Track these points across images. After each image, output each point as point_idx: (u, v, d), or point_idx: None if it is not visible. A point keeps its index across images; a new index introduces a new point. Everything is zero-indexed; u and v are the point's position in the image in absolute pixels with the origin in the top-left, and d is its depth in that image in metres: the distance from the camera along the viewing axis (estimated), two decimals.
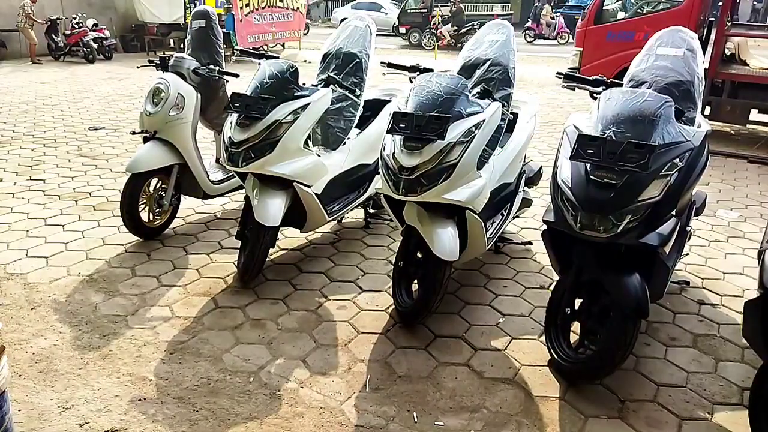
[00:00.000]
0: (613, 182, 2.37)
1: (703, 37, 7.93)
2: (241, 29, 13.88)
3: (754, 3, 25.92)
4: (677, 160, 2.40)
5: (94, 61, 13.85)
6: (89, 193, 4.98)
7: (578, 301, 2.70)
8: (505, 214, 3.63)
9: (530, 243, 4.12)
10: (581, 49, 8.06)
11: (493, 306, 3.33)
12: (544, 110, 8.77)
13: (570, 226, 2.47)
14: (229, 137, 3.25)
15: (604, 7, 8.05)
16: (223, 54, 4.27)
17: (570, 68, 8.05)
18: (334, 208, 3.79)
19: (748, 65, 7.90)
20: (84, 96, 9.59)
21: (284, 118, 3.24)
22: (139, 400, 2.51)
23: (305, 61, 13.97)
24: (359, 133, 4.08)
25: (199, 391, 2.55)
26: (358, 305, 3.30)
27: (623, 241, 2.40)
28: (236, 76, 3.99)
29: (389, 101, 4.22)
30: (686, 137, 2.47)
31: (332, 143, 3.93)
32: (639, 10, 8.11)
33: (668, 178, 2.37)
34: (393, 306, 3.21)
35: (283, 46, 17.04)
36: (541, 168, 4.17)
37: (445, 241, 2.88)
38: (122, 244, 3.95)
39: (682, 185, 2.44)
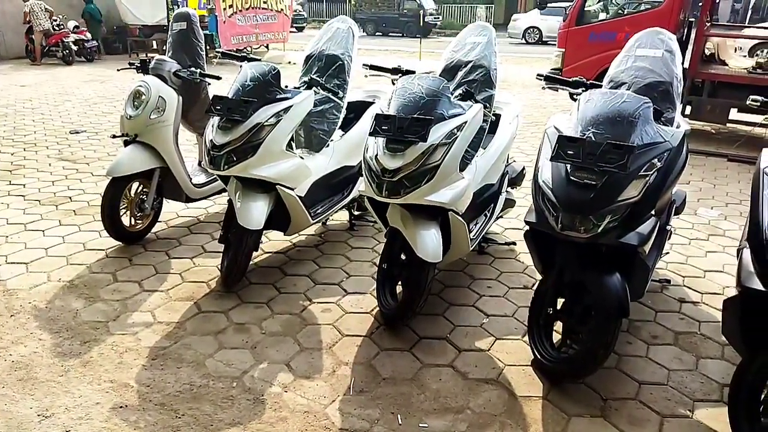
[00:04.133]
0: (593, 183, 2.39)
1: (684, 37, 8.04)
2: (225, 31, 13.81)
3: (734, 3, 26.32)
4: (656, 160, 2.42)
5: (72, 63, 13.67)
6: (70, 198, 4.92)
7: (560, 301, 2.73)
8: (488, 215, 3.65)
9: (514, 243, 4.14)
10: (563, 49, 8.13)
11: (477, 307, 3.34)
12: (527, 111, 8.83)
13: (551, 226, 2.49)
14: (211, 140, 3.23)
15: (585, 8, 8.12)
16: (204, 56, 4.24)
17: (552, 69, 8.12)
18: (318, 211, 3.78)
19: (727, 65, 8.02)
20: (65, 99, 9.47)
21: (266, 120, 3.22)
22: (121, 407, 2.48)
23: (290, 62, 13.92)
24: (343, 135, 4.08)
25: (182, 397, 2.53)
26: (343, 308, 3.30)
27: (603, 241, 2.42)
28: (218, 78, 3.97)
29: (373, 103, 4.22)
30: (664, 137, 2.49)
31: (316, 145, 3.92)
32: (620, 11, 8.19)
33: (647, 178, 2.39)
34: (377, 308, 3.21)
35: (267, 47, 16.97)
36: (524, 169, 4.20)
37: (428, 242, 2.89)
38: (103, 249, 3.91)
39: (660, 185, 2.46)
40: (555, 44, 8.76)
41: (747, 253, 2.23)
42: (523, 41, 22.33)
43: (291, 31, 17.80)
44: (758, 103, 2.44)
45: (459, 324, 3.16)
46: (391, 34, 25.65)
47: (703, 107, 7.40)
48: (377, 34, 25.74)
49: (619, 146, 2.34)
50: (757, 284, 2.11)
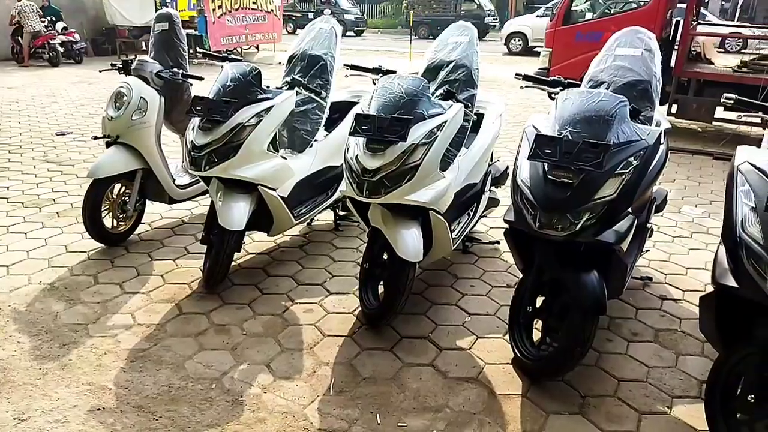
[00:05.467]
0: (570, 181, 2.39)
1: (670, 36, 8.09)
2: (215, 31, 13.76)
3: (722, 3, 26.47)
4: (632, 158, 2.43)
5: (58, 64, 13.57)
6: (54, 200, 4.89)
7: (540, 299, 2.73)
8: (471, 214, 3.65)
9: (498, 242, 4.15)
10: (550, 49, 8.16)
11: (459, 306, 3.35)
12: (515, 110, 8.86)
13: (529, 225, 2.49)
14: (192, 141, 3.22)
15: (572, 8, 8.15)
16: (187, 57, 4.23)
17: (540, 68, 8.16)
18: (302, 211, 3.77)
19: (713, 64, 8.07)
20: (52, 101, 9.41)
21: (247, 121, 3.21)
22: (98, 409, 2.46)
23: (279, 63, 13.89)
24: (327, 135, 4.08)
25: (160, 399, 2.52)
26: (325, 308, 3.29)
27: (581, 239, 2.43)
28: (200, 78, 3.95)
29: (357, 103, 4.21)
30: (641, 136, 2.51)
31: (299, 146, 3.92)
32: (606, 11, 8.23)
33: (623, 177, 2.40)
34: (360, 308, 3.21)
35: (257, 48, 16.93)
36: (507, 168, 4.20)
37: (409, 242, 2.89)
38: (85, 251, 3.89)
39: (637, 183, 2.48)
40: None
41: (722, 251, 2.25)
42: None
43: (349, 35, 17.01)
44: (732, 101, 2.46)
45: (441, 323, 3.16)
46: None
47: (689, 106, 7.45)
48: (430, 37, 22.33)
49: (595, 145, 2.34)
50: (731, 281, 2.12)
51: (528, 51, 17.90)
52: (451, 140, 3.04)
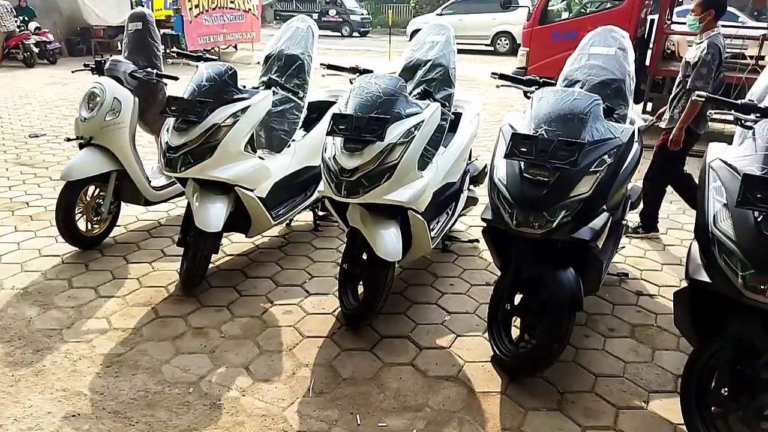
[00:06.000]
0: (546, 179, 2.41)
1: (645, 35, 8.19)
2: (191, 31, 13.62)
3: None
4: (606, 156, 2.46)
5: (33, 65, 13.31)
6: (27, 203, 4.79)
7: (519, 297, 2.75)
8: (450, 213, 3.66)
9: (477, 241, 4.17)
10: (528, 49, 8.21)
11: (439, 304, 3.35)
12: (494, 109, 8.91)
13: (507, 223, 2.51)
14: (166, 142, 3.18)
15: (548, 8, 8.22)
16: (161, 56, 4.17)
17: (518, 68, 8.21)
18: (280, 212, 3.75)
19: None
20: (25, 102, 9.22)
21: (223, 121, 3.18)
22: (73, 416, 2.42)
23: (258, 62, 13.75)
24: (305, 135, 4.05)
25: (136, 404, 2.48)
26: (305, 309, 3.27)
27: (557, 237, 2.45)
28: (175, 78, 3.90)
29: (336, 102, 4.20)
30: (614, 134, 2.53)
31: (276, 146, 3.89)
32: (582, 10, 8.32)
33: (598, 174, 2.43)
34: (339, 309, 3.19)
35: (235, 47, 16.79)
36: (485, 166, 4.21)
37: (387, 241, 2.89)
38: (59, 255, 3.81)
39: (611, 180, 2.51)
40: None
41: (695, 247, 2.28)
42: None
43: (354, 36, 16.77)
44: (703, 98, 2.50)
45: (421, 322, 3.16)
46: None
47: (664, 104, 7.52)
48: None
49: (570, 143, 2.37)
50: (704, 277, 2.15)
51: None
52: (429, 139, 3.05)
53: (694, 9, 4.09)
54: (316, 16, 22.66)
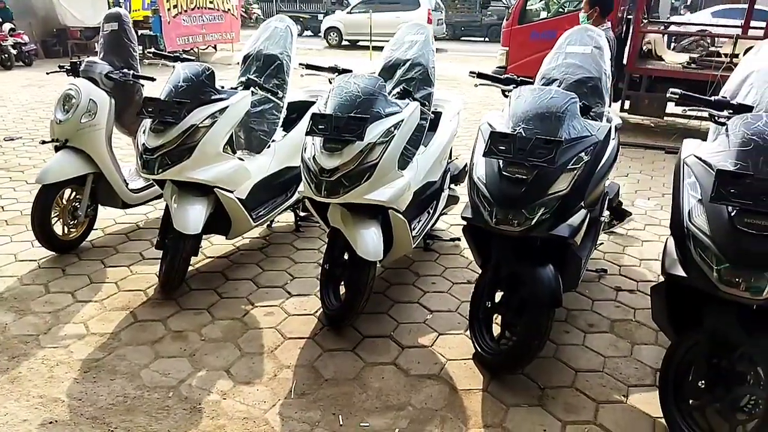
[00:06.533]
0: (524, 177, 2.43)
1: (622, 34, 8.29)
2: (170, 31, 13.48)
3: (672, 1, 27.28)
4: (583, 153, 2.48)
5: (11, 67, 13.08)
6: (2, 207, 4.70)
7: (499, 294, 2.76)
8: (431, 212, 3.67)
9: (458, 239, 4.18)
10: (507, 48, 8.27)
11: (421, 303, 3.36)
12: (475, 108, 8.95)
13: (486, 221, 2.52)
14: (143, 144, 3.14)
15: (527, 7, 8.28)
16: (138, 57, 4.12)
17: (498, 67, 8.27)
18: (260, 213, 3.72)
19: (663, 60, 8.31)
20: (0, 105, 9.05)
21: (201, 122, 3.15)
22: (51, 422, 2.38)
23: (238, 63, 13.65)
24: (285, 135, 4.03)
25: (115, 409, 2.45)
26: (286, 310, 3.26)
27: (536, 234, 2.47)
28: (152, 79, 3.86)
29: (315, 102, 4.18)
30: (591, 132, 2.56)
31: (256, 147, 3.86)
32: (560, 9, 8.39)
33: (575, 172, 2.45)
34: (321, 309, 3.18)
35: (215, 48, 16.65)
36: (466, 165, 4.21)
37: (368, 241, 2.88)
38: (36, 260, 3.75)
39: (589, 178, 2.53)
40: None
41: (671, 242, 2.31)
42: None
43: None
44: (677, 95, 2.53)
45: (403, 321, 3.16)
46: (469, 39, 22.50)
47: (641, 101, 7.65)
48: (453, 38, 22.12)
49: (548, 141, 2.38)
50: (680, 271, 2.18)
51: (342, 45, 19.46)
52: (409, 139, 3.05)
53: (583, 7, 4.92)
54: (321, 16, 22.61)
